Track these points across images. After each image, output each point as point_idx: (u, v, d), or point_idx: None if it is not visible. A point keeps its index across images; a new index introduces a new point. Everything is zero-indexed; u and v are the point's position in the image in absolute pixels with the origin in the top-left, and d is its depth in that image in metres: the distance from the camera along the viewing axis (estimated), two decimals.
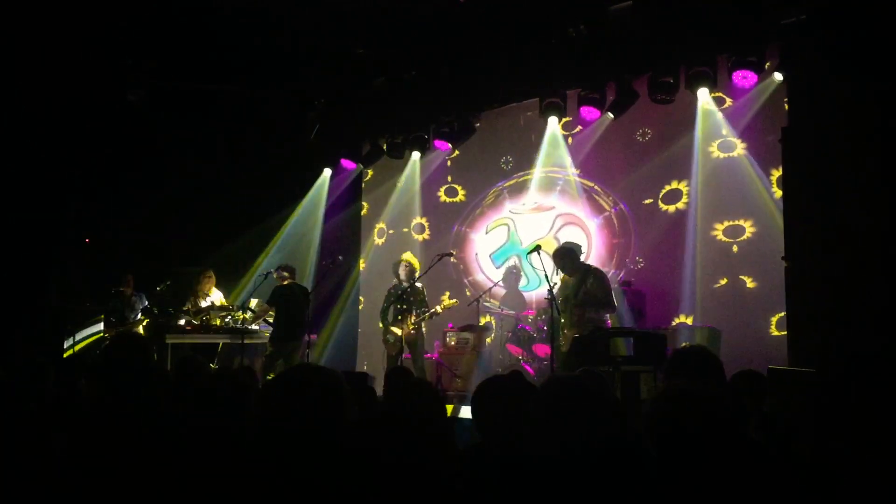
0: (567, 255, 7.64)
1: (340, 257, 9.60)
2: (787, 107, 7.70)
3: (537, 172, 10.50)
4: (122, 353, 2.97)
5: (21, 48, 8.82)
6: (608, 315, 7.57)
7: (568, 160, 10.29)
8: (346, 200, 12.04)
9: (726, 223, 8.91)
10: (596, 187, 10.27)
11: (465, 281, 11.10)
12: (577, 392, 2.31)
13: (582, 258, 7.99)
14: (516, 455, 2.45)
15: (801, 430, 3.05)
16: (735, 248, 8.82)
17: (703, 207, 8.99)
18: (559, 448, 2.16)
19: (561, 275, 7.74)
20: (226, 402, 2.67)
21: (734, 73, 8.07)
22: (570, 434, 2.16)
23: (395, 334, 8.92)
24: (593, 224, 10.21)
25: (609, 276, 9.30)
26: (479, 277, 11.10)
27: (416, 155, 11.10)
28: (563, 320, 7.63)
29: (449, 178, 11.41)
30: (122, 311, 9.76)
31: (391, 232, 11.80)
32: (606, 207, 10.13)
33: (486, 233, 11.14)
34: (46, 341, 9.79)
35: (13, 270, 9.85)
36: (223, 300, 9.79)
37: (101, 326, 10.13)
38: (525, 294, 10.24)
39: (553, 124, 9.96)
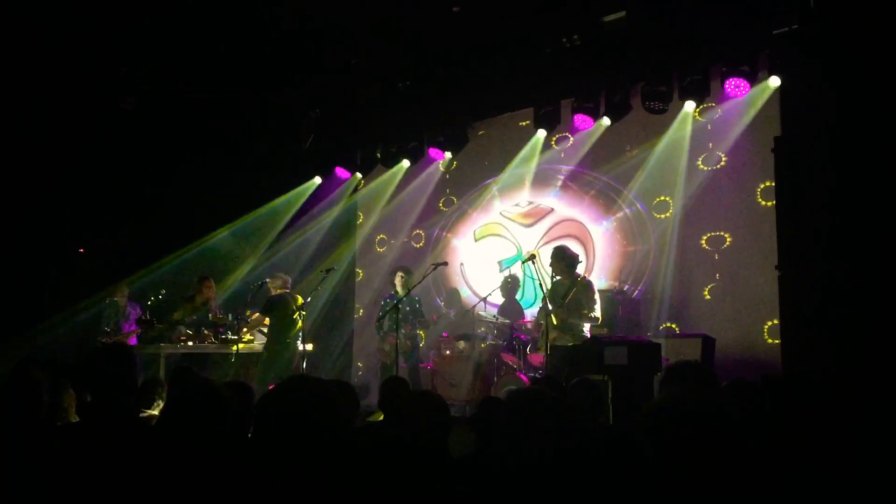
0: (563, 258, 7.72)
1: (335, 266, 9.59)
2: (780, 116, 7.77)
3: (522, 170, 10.36)
4: (107, 363, 2.97)
5: (16, 57, 8.81)
6: (590, 325, 7.62)
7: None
8: (340, 209, 12.03)
9: (710, 234, 8.92)
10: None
11: (458, 290, 11.02)
12: (533, 404, 2.32)
13: (581, 269, 8.03)
14: (505, 466, 2.45)
15: (795, 437, 3.06)
16: (716, 256, 8.85)
17: (689, 217, 9.02)
18: (523, 458, 2.16)
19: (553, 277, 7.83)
20: (218, 413, 2.67)
21: (727, 82, 8.16)
22: (529, 445, 2.16)
23: (391, 343, 8.91)
24: (599, 229, 9.86)
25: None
26: (464, 293, 10.75)
27: (409, 164, 11.13)
28: (541, 322, 7.76)
29: (447, 191, 11.39)
30: (116, 320, 9.74)
31: (392, 242, 11.78)
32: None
33: (476, 241, 11.00)
34: (41, 351, 9.76)
35: (7, 279, 9.83)
36: (217, 309, 9.76)
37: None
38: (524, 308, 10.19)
39: (540, 135, 9.93)
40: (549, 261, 7.83)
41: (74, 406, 3.67)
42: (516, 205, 10.67)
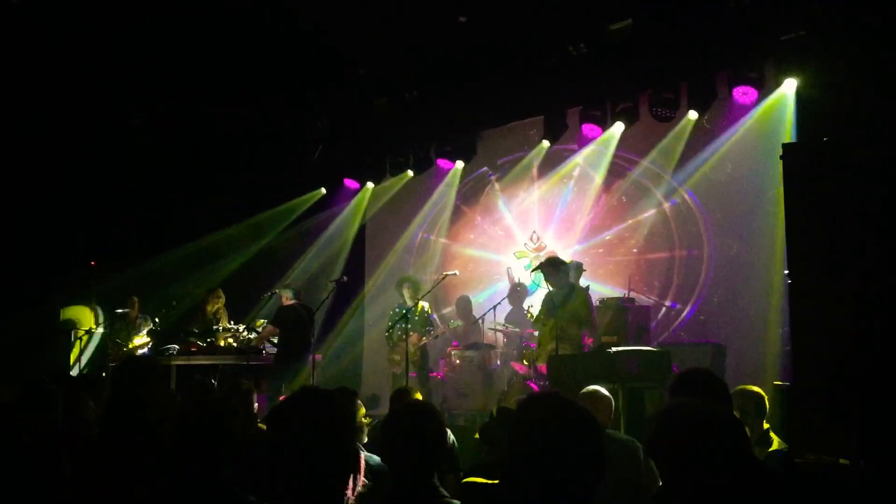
0: (555, 268, 7.75)
1: (345, 277, 9.61)
2: (788, 122, 7.78)
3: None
4: (130, 378, 2.99)
5: (22, 66, 8.88)
6: (588, 334, 7.62)
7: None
8: (349, 219, 12.06)
9: (719, 241, 8.88)
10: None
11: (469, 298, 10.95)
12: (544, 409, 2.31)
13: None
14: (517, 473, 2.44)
15: (803, 447, 3.06)
16: (725, 263, 8.81)
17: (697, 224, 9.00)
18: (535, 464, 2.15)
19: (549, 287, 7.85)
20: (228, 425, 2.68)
21: (735, 90, 8.15)
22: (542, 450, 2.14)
23: (400, 353, 8.92)
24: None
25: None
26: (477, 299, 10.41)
27: (415, 174, 11.16)
28: (537, 333, 7.76)
29: (457, 200, 11.39)
30: (127, 333, 9.78)
31: (402, 251, 11.74)
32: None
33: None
34: (54, 364, 9.81)
35: (20, 294, 9.88)
36: (227, 320, 9.79)
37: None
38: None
39: (545, 144, 9.94)
40: (544, 271, 7.81)
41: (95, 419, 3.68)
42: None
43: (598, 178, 9.77)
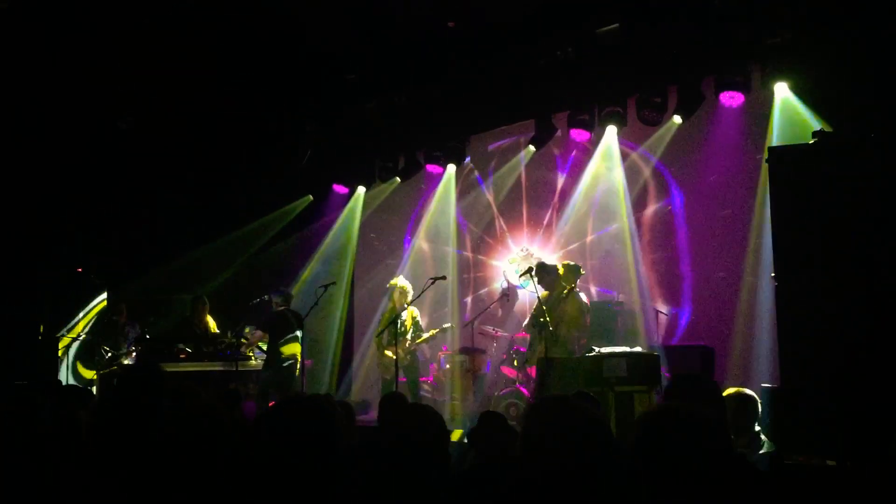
0: (545, 272, 7.80)
1: (334, 282, 9.59)
2: (774, 125, 7.83)
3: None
4: (137, 388, 2.99)
5: (17, 71, 8.85)
6: (582, 335, 7.65)
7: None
8: (338, 225, 12.04)
9: (709, 242, 8.91)
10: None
11: (464, 301, 10.97)
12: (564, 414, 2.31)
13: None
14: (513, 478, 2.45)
15: (792, 447, 3.07)
16: (715, 266, 8.84)
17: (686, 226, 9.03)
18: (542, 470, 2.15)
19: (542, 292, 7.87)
20: (216, 432, 2.67)
21: (721, 94, 8.17)
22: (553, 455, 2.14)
23: (390, 358, 8.90)
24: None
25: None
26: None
27: (403, 179, 11.17)
28: (530, 337, 7.80)
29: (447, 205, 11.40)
30: (115, 340, 9.74)
31: (392, 256, 11.74)
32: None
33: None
34: (40, 371, 9.77)
35: (5, 301, 9.83)
36: (215, 327, 9.76)
37: None
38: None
39: (531, 149, 9.96)
40: (534, 275, 7.86)
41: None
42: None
43: (589, 179, 9.76)
